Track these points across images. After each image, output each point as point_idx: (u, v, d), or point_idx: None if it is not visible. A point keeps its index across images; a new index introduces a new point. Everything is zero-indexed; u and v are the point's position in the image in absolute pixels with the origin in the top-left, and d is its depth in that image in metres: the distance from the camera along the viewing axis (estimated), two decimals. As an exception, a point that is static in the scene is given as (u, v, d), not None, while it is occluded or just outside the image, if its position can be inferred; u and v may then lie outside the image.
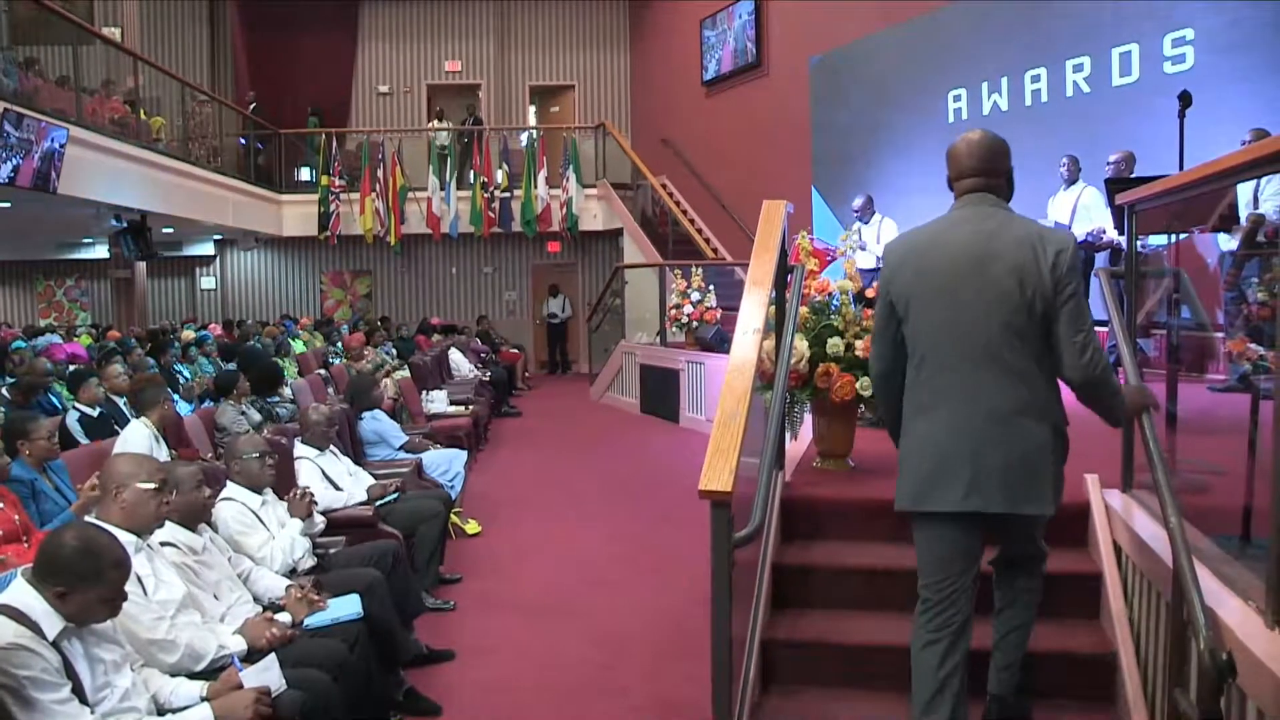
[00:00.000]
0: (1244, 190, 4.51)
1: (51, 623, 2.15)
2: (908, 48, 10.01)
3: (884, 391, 2.65)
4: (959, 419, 2.39)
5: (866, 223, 8.57)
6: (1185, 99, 4.92)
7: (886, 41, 10.30)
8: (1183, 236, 4.26)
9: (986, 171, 2.48)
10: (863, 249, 8.16)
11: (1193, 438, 3.11)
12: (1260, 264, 4.43)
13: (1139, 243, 3.33)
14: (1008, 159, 2.52)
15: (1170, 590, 2.32)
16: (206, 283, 15.98)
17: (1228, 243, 5.34)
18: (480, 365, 11.47)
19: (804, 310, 3.93)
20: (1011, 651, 2.61)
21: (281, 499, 3.80)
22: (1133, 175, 6.06)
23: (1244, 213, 4.49)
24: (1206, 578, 2.26)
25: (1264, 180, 4.38)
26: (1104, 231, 6.48)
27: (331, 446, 4.79)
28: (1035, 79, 8.60)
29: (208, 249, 15.51)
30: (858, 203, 8.69)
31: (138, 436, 4.65)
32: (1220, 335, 4.91)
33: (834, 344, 3.80)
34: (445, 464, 5.91)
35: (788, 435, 3.98)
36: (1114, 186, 5.25)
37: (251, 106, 14.27)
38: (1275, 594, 2.01)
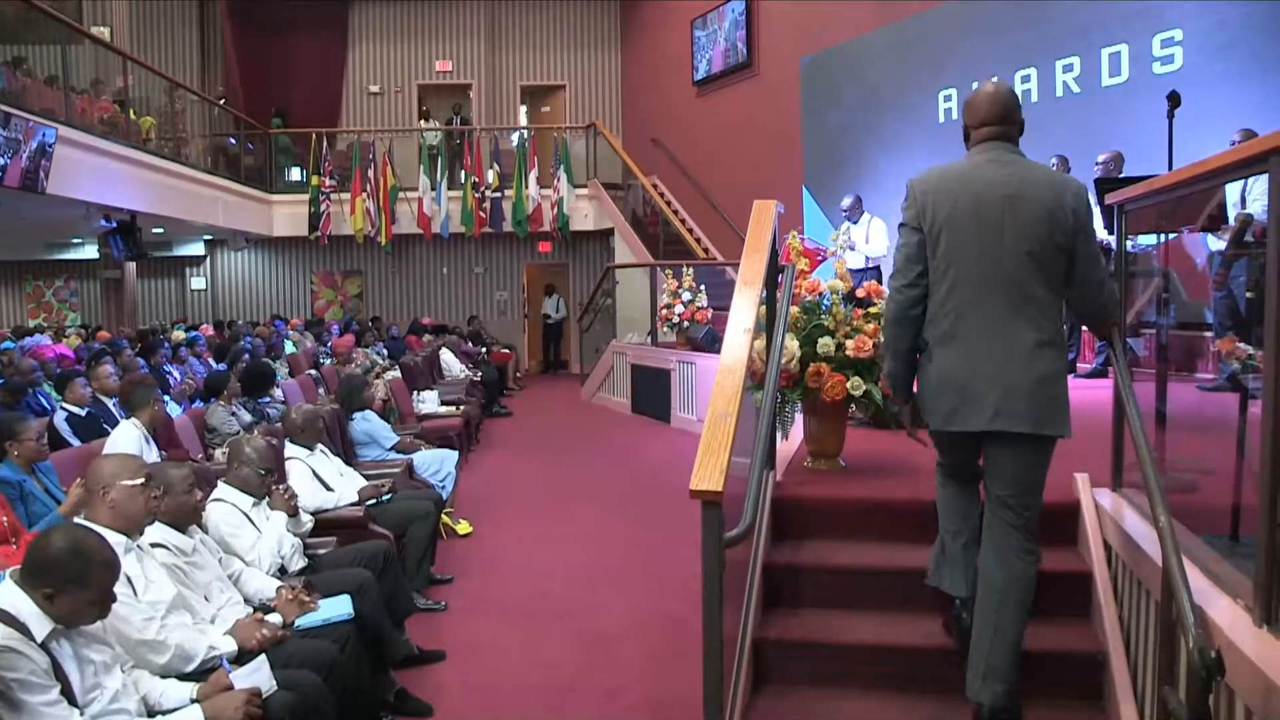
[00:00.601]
0: (1232, 190, 4.52)
1: (40, 624, 2.14)
2: (898, 48, 10.04)
3: (901, 323, 2.74)
4: (987, 346, 2.58)
5: (855, 222, 8.59)
6: (1174, 99, 4.94)
7: (877, 42, 10.32)
8: (1172, 236, 4.28)
9: (1004, 120, 2.69)
10: (852, 249, 8.17)
11: (1182, 437, 3.12)
12: (1248, 263, 4.45)
13: (1128, 242, 3.35)
14: (1020, 110, 2.74)
15: (1160, 589, 2.33)
16: (196, 283, 15.93)
17: (1216, 243, 5.37)
18: (471, 365, 11.45)
19: (795, 310, 3.93)
20: (1004, 665, 2.60)
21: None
22: (1121, 175, 6.08)
23: (1232, 213, 4.51)
24: (1195, 576, 2.27)
25: (1251, 180, 4.39)
26: (1094, 231, 6.50)
27: (321, 446, 4.78)
28: (1025, 79, 8.63)
29: (198, 249, 15.45)
30: (846, 202, 8.71)
31: (127, 437, 4.62)
32: (1209, 334, 4.94)
33: (825, 344, 3.80)
34: (436, 464, 5.90)
35: (779, 435, 3.98)
36: (1103, 186, 5.27)
37: (221, 103, 14.18)
38: (1263, 592, 2.02)
